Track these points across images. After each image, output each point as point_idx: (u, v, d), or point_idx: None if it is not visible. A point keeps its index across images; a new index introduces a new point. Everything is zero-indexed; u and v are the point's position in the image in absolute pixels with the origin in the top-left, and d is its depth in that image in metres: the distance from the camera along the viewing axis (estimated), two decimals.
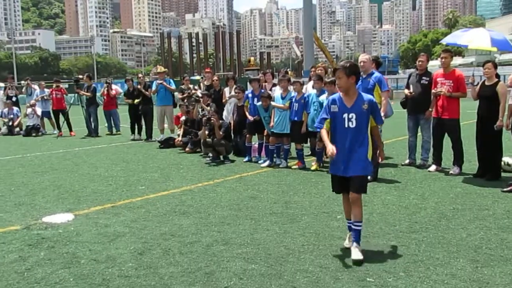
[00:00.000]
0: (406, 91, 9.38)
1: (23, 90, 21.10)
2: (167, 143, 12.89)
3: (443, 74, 8.67)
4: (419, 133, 9.38)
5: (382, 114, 8.03)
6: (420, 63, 9.25)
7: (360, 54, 8.88)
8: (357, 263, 4.44)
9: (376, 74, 8.35)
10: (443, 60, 8.67)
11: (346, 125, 4.64)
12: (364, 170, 4.66)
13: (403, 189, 7.45)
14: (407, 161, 9.50)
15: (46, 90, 18.51)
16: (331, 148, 4.61)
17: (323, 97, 8.80)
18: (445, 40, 9.49)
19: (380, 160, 5.24)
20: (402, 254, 4.69)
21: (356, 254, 4.53)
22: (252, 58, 70.78)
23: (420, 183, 7.86)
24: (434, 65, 33.78)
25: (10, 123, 18.10)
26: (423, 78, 9.09)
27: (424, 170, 8.91)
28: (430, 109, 8.88)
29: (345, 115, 4.65)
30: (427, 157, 9.26)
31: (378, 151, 5.03)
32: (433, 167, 8.86)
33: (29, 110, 17.73)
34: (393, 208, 6.38)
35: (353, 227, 4.70)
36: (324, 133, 4.85)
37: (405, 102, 9.43)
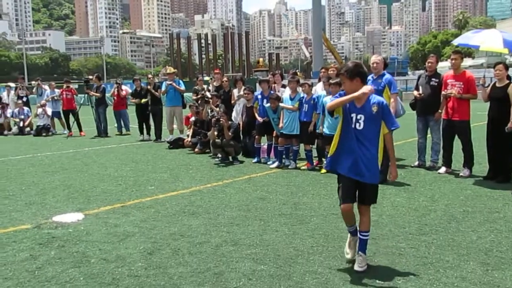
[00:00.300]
0: (416, 92, 9.35)
1: (33, 91, 21.25)
2: (176, 144, 12.93)
3: (453, 76, 8.64)
4: (429, 135, 9.34)
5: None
6: (429, 64, 9.21)
7: (369, 55, 8.89)
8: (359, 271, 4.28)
9: (387, 76, 8.33)
10: (453, 61, 8.63)
11: (353, 126, 4.28)
12: (375, 178, 4.37)
13: (412, 191, 7.43)
14: (416, 163, 9.46)
15: (56, 90, 18.65)
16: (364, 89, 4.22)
17: (327, 99, 8.75)
18: (456, 41, 9.45)
19: (391, 179, 4.68)
20: (411, 256, 4.67)
21: (359, 265, 4.33)
22: (261, 59, 70.84)
23: (430, 185, 7.83)
24: (444, 67, 33.66)
25: (21, 123, 18.24)
26: (433, 79, 9.05)
27: (434, 172, 8.87)
28: (439, 111, 8.85)
29: (353, 115, 4.29)
30: (437, 159, 9.22)
31: (389, 166, 4.54)
32: (443, 169, 8.82)
33: (40, 110, 17.87)
34: (403, 210, 6.36)
35: (360, 237, 4.43)
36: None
37: (415, 103, 9.40)
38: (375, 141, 4.31)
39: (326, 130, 8.88)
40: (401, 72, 67.67)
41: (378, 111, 4.28)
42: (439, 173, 8.77)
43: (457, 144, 8.78)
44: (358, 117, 4.29)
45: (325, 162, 8.03)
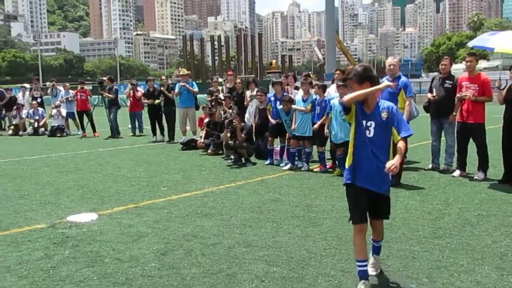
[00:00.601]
0: (429, 95, 9.29)
1: (48, 92, 21.47)
2: (189, 145, 12.97)
3: (468, 78, 8.57)
4: (443, 138, 9.28)
5: (406, 119, 7.99)
6: (443, 66, 9.16)
7: (382, 57, 8.83)
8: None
9: (403, 78, 8.31)
10: (468, 63, 8.56)
11: (364, 133, 4.00)
12: (388, 189, 4.11)
13: (426, 194, 7.38)
14: (430, 166, 9.40)
15: (70, 91, 18.81)
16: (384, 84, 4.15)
17: (335, 101, 8.75)
18: (471, 43, 9.37)
19: (386, 168, 3.84)
20: (425, 260, 4.65)
21: (372, 268, 4.28)
22: (273, 61, 70.79)
23: (444, 189, 7.77)
24: (458, 69, 33.37)
25: (36, 124, 18.43)
26: (447, 81, 8.99)
27: (448, 175, 8.80)
28: (454, 113, 8.79)
29: (364, 122, 4.02)
30: (451, 162, 9.15)
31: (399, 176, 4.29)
32: (457, 172, 8.75)
33: (54, 111, 18.03)
34: (416, 213, 6.32)
35: (374, 244, 4.31)
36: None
37: (428, 106, 9.34)
38: (386, 149, 4.03)
39: (333, 138, 8.87)
40: (414, 74, 67.22)
41: (388, 117, 3.99)
42: (453, 176, 8.70)
43: (472, 147, 8.71)
44: (369, 123, 4.02)
45: (343, 174, 7.99)
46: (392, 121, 3.99)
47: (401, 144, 3.97)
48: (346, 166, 4.12)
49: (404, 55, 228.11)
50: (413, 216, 6.16)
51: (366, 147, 4.01)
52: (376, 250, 4.38)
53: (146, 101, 15.61)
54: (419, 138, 12.82)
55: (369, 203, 4.04)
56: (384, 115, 3.99)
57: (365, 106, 4.04)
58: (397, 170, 3.80)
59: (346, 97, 3.97)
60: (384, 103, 4.05)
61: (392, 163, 3.78)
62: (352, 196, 4.09)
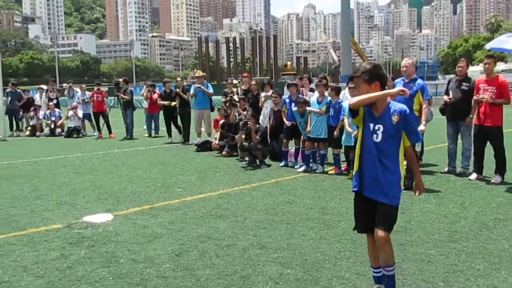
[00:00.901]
0: (446, 97, 9.21)
1: (65, 93, 21.72)
2: (204, 146, 13.01)
3: (485, 80, 8.48)
4: (459, 140, 9.19)
5: (423, 122, 7.92)
6: (459, 68, 9.07)
7: (398, 59, 8.72)
8: None
9: (420, 80, 8.24)
10: (486, 65, 8.47)
11: (371, 138, 3.70)
12: (392, 198, 3.70)
13: (442, 198, 7.31)
14: (446, 169, 9.31)
15: (87, 92, 18.98)
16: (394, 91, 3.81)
17: (346, 103, 8.68)
18: (489, 45, 9.28)
19: (417, 193, 3.93)
20: (441, 263, 4.60)
21: None
22: (288, 63, 70.61)
23: (460, 192, 7.69)
24: (475, 71, 33.02)
25: (53, 125, 18.63)
26: (463, 83, 8.91)
27: (464, 179, 8.71)
28: (470, 116, 8.70)
29: (371, 125, 3.70)
30: (467, 165, 9.05)
31: (414, 181, 3.88)
32: (473, 176, 8.66)
33: (71, 112, 18.23)
34: (432, 216, 6.26)
35: (384, 272, 3.82)
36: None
37: (444, 108, 9.26)
38: (395, 156, 3.70)
39: (344, 141, 8.84)
40: (431, 76, 66.75)
41: (399, 121, 3.65)
42: (469, 179, 8.61)
43: (489, 150, 8.61)
44: (376, 127, 3.69)
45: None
46: (404, 126, 3.67)
47: (410, 152, 3.77)
48: (353, 172, 3.86)
49: (420, 57, 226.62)
50: (429, 219, 6.11)
51: (372, 153, 3.71)
52: (378, 280, 3.93)
53: (162, 102, 15.66)
54: (435, 141, 12.72)
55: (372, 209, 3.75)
56: (395, 118, 3.65)
57: (374, 108, 3.73)
58: (421, 190, 3.89)
59: (353, 100, 3.66)
60: (396, 106, 3.71)
61: (417, 187, 3.87)
62: (356, 204, 3.88)
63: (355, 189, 3.81)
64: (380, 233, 3.65)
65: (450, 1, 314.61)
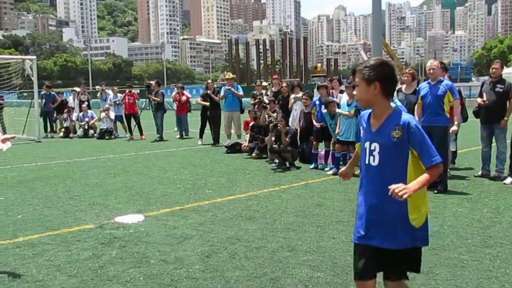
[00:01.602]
0: (479, 99, 9.03)
1: (98, 95, 22.09)
2: (234, 148, 13.05)
3: None
4: (494, 143, 8.99)
5: (456, 122, 7.77)
6: (494, 70, 8.88)
7: (429, 60, 8.48)
8: None
9: (447, 81, 8.09)
10: None
11: (366, 161, 2.93)
12: (404, 240, 2.85)
13: (476, 202, 7.15)
14: (480, 173, 9.11)
15: (119, 95, 19.27)
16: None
17: None
18: None
19: (397, 190, 2.68)
20: (474, 269, 4.50)
21: None
22: (318, 65, 70.13)
23: (495, 196, 7.52)
24: (510, 73, 32.20)
25: (86, 126, 18.98)
26: (498, 85, 8.72)
27: (499, 182, 8.51)
28: (505, 118, 8.51)
29: (367, 144, 2.92)
30: (502, 169, 8.84)
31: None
32: (508, 180, 8.45)
33: (103, 114, 18.54)
34: (465, 221, 6.14)
35: None
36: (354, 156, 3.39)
37: (478, 111, 9.08)
38: (398, 180, 2.75)
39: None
40: (464, 78, 65.50)
41: (401, 137, 2.79)
42: (504, 183, 8.40)
43: None
44: (372, 146, 2.89)
45: None
46: (413, 145, 2.80)
47: (425, 178, 2.78)
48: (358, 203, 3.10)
49: (453, 58, 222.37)
50: (462, 224, 5.98)
51: (368, 181, 2.94)
52: None
53: (202, 102, 15.49)
54: (469, 144, 12.47)
55: (379, 256, 2.92)
56: (395, 133, 2.80)
57: (372, 118, 2.95)
58: (405, 197, 2.67)
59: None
60: (401, 116, 2.84)
61: (401, 186, 2.69)
62: (355, 247, 3.08)
63: (355, 241, 3.04)
64: (390, 284, 2.99)
65: (484, 1, 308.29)
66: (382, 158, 2.85)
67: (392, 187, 2.67)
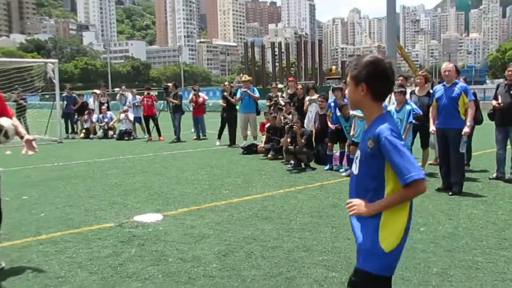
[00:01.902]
0: (494, 102, 9.00)
1: (117, 98, 22.38)
2: (250, 150, 13.13)
3: None
4: (509, 146, 8.96)
5: (468, 124, 7.76)
6: (509, 73, 8.83)
7: (444, 63, 8.46)
8: None
9: (461, 83, 8.10)
10: None
11: (352, 169, 2.71)
12: (368, 261, 2.56)
13: (490, 204, 7.15)
14: (495, 175, 9.08)
15: (137, 97, 19.51)
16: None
17: (391, 107, 8.57)
18: None
19: (350, 205, 2.59)
20: (489, 271, 4.53)
21: None
22: (333, 67, 69.96)
23: (510, 198, 7.50)
24: None
25: (106, 127, 19.24)
26: None
27: None
28: None
29: (358, 151, 2.67)
30: None
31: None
32: None
33: (122, 115, 18.78)
34: (480, 223, 6.15)
35: None
36: None
37: (493, 113, 9.05)
38: (375, 196, 2.50)
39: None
40: (478, 81, 64.68)
41: (374, 147, 2.47)
42: None
43: None
44: (357, 153, 2.65)
45: None
46: (385, 157, 2.44)
47: (391, 198, 2.46)
48: None
49: (467, 61, 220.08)
50: (476, 226, 6.00)
51: (349, 191, 2.69)
52: None
53: (224, 104, 15.57)
54: (484, 146, 12.40)
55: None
56: (369, 144, 2.50)
57: (366, 119, 2.69)
58: (351, 214, 2.56)
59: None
60: (378, 125, 2.48)
61: (355, 201, 2.54)
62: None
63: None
64: None
65: (499, 4, 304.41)
66: (360, 167, 2.58)
67: (350, 200, 2.56)
